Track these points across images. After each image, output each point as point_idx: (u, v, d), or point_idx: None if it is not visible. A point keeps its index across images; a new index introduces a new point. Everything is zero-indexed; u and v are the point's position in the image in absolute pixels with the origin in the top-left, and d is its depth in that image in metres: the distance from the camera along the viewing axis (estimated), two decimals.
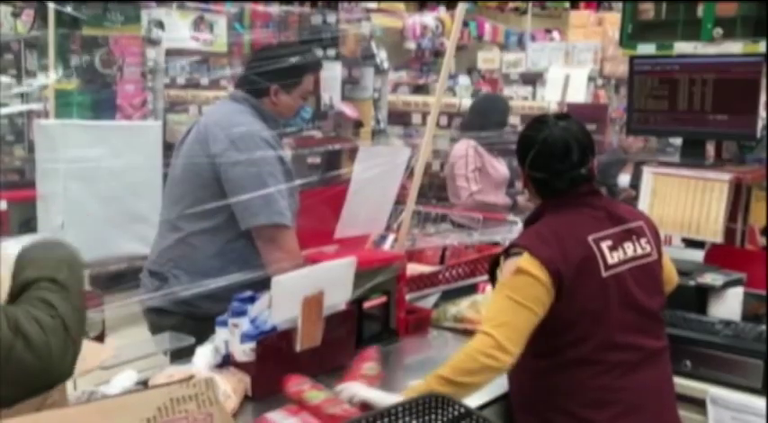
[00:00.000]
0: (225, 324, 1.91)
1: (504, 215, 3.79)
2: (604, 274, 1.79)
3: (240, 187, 2.17)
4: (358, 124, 4.11)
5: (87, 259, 3.28)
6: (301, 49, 2.47)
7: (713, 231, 2.52)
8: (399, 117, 4.43)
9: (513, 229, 3.49)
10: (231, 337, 1.89)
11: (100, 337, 2.49)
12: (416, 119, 4.62)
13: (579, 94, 6.19)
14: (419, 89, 7.36)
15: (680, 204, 2.57)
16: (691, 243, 2.84)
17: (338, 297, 1.96)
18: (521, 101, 6.40)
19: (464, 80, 8.05)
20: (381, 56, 4.33)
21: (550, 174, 1.86)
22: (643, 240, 1.90)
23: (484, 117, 4.12)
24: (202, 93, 5.07)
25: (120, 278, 3.25)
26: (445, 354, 2.01)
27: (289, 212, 2.24)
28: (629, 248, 1.85)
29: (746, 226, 2.80)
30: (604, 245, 1.81)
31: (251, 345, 1.85)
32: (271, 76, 2.33)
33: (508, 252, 1.84)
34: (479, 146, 4.02)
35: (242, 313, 1.88)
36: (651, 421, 1.81)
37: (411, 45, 7.45)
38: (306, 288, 1.85)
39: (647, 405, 1.80)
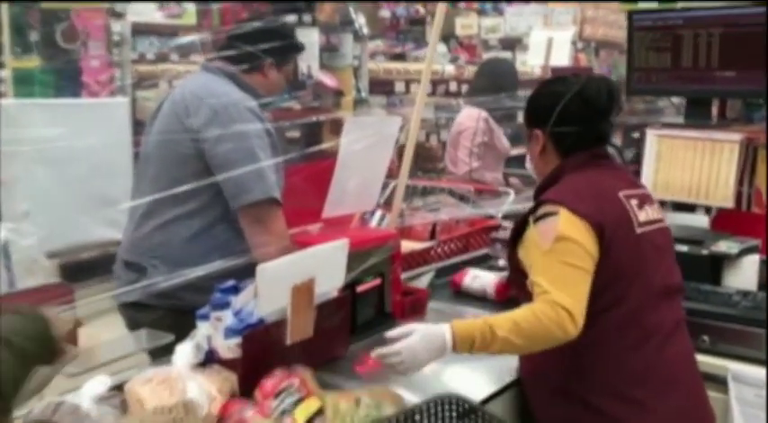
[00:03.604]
0: (206, 318, 1.74)
1: (494, 187, 3.64)
2: (638, 230, 1.67)
3: (229, 162, 1.99)
4: (338, 94, 3.91)
5: (56, 248, 3.11)
6: (292, 28, 2.32)
7: (723, 196, 2.38)
8: (381, 85, 4.23)
9: (507, 201, 3.34)
10: (214, 332, 1.71)
11: (72, 336, 2.31)
12: (399, 87, 4.42)
13: (563, 57, 5.99)
14: (396, 57, 7.16)
15: (687, 168, 2.43)
16: (681, 207, 2.68)
17: (330, 283, 1.79)
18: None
19: (440, 48, 7.84)
20: (360, 21, 4.11)
21: (588, 123, 1.73)
22: (655, 206, 1.78)
23: (495, 81, 3.92)
24: (173, 67, 4.84)
25: (92, 266, 3.08)
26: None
27: (278, 189, 2.06)
28: (650, 211, 1.73)
29: (752, 188, 2.67)
30: (633, 202, 1.71)
31: (236, 340, 1.67)
32: (269, 50, 2.15)
33: (537, 212, 1.68)
34: (490, 117, 3.83)
35: (224, 305, 1.71)
36: (686, 395, 1.69)
37: (385, 13, 7.23)
38: (295, 275, 1.68)
39: (681, 378, 1.69)
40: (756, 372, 1.94)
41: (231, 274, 1.90)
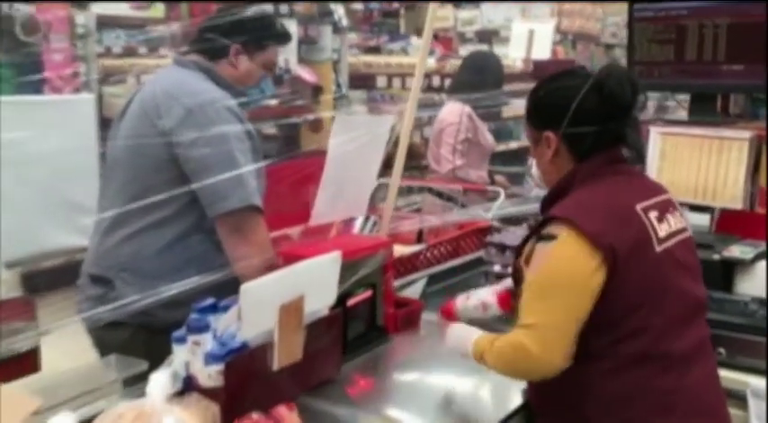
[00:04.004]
0: (183, 341, 1.56)
1: (484, 186, 3.48)
2: (658, 249, 1.50)
3: (205, 167, 1.81)
4: (317, 89, 3.73)
5: (16, 256, 2.89)
6: (270, 16, 2.10)
7: (732, 196, 2.25)
8: (361, 80, 4.05)
9: (497, 202, 3.19)
10: (192, 358, 1.53)
11: (33, 356, 2.12)
12: (381, 82, 4.24)
13: (544, 50, 5.87)
14: (371, 50, 6.99)
15: (693, 167, 2.29)
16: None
17: (321, 301, 1.62)
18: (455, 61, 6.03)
19: (415, 41, 7.69)
20: (339, 12, 3.93)
21: (608, 122, 1.55)
22: (677, 213, 1.62)
23: (479, 75, 3.75)
24: (142, 61, 4.61)
25: (56, 276, 2.88)
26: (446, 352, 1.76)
27: (259, 196, 1.88)
28: (672, 221, 1.56)
29: (756, 187, 2.55)
30: (652, 215, 1.53)
31: (218, 367, 1.50)
32: (232, 32, 1.95)
33: (543, 229, 1.52)
34: (474, 112, 3.67)
35: (203, 328, 1.53)
36: (712, 420, 1.55)
37: (358, 5, 7.06)
38: (282, 294, 1.51)
39: (706, 402, 1.55)
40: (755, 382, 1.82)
41: (209, 289, 1.73)
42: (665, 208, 1.57)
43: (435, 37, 7.62)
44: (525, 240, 1.61)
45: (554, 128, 1.59)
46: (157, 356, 1.69)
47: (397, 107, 3.98)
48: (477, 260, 2.79)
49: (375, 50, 7.13)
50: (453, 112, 3.70)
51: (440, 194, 3.34)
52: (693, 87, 2.41)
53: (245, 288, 1.43)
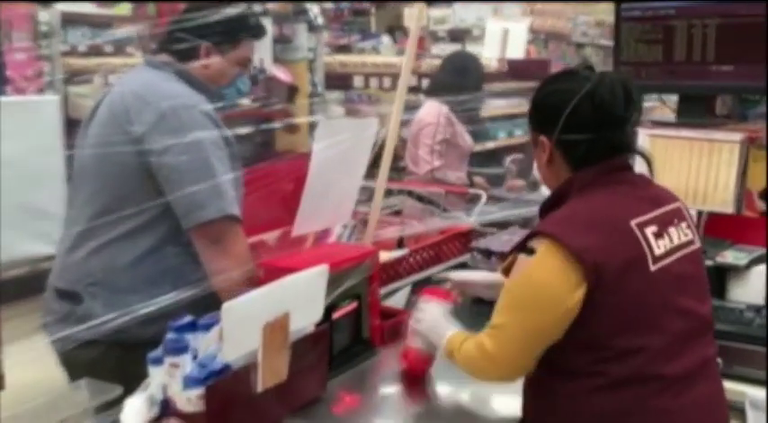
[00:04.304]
0: (160, 362, 1.46)
1: (466, 188, 3.41)
2: (653, 267, 1.42)
3: (180, 175, 1.70)
4: (293, 90, 3.62)
5: None
6: (242, 8, 1.98)
7: (722, 200, 2.20)
8: (338, 80, 3.95)
9: (479, 204, 3.13)
10: (170, 380, 1.43)
11: None
12: (358, 81, 4.14)
13: (519, 49, 5.82)
14: (341, 49, 6.89)
15: (683, 171, 2.24)
16: None
17: (307, 318, 1.53)
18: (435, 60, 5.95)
19: (386, 40, 7.62)
20: (314, 11, 3.82)
21: (602, 131, 1.48)
22: (684, 225, 1.54)
23: (460, 77, 3.68)
24: (108, 60, 4.46)
25: (20, 285, 2.74)
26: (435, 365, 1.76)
27: (238, 205, 1.78)
28: (674, 235, 1.49)
29: (743, 190, 2.51)
30: (649, 231, 1.44)
31: (198, 390, 1.40)
32: (202, 31, 1.85)
33: (530, 242, 1.45)
34: (451, 113, 3.59)
35: (181, 350, 1.43)
36: None
37: (329, 4, 6.97)
38: (267, 312, 1.41)
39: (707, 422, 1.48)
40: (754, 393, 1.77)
41: (186, 305, 1.63)
42: (668, 221, 1.50)
43: (408, 35, 7.56)
44: (510, 252, 1.55)
45: (548, 133, 1.52)
46: (131, 375, 1.59)
47: (375, 108, 3.89)
48: (460, 265, 2.72)
49: (346, 49, 7.04)
50: (431, 112, 3.63)
51: (420, 198, 3.27)
52: (682, 88, 2.36)
53: (228, 307, 1.33)
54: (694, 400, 1.45)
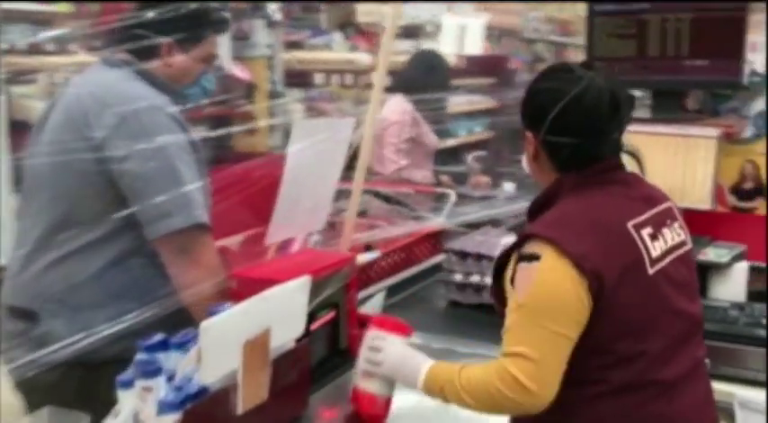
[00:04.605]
0: (130, 385, 1.34)
1: (433, 187, 3.35)
2: (651, 270, 1.37)
3: (144, 182, 1.59)
4: (251, 88, 3.50)
5: None
6: (200, 3, 1.86)
7: (699, 197, 2.18)
8: (298, 77, 3.84)
9: (448, 204, 3.06)
10: (142, 405, 1.32)
11: None
12: (319, 79, 4.03)
13: (476, 45, 5.80)
14: (292, 45, 6.76)
15: (659, 167, 2.20)
16: None
17: (289, 333, 1.43)
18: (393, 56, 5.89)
19: (337, 36, 7.51)
20: (272, 6, 3.70)
21: (585, 138, 1.41)
22: (676, 225, 1.50)
23: (427, 75, 3.60)
24: (52, 59, 4.26)
25: None
26: None
27: (206, 212, 1.67)
28: (668, 236, 1.44)
29: (714, 185, 2.50)
30: (645, 233, 1.39)
31: (174, 416, 1.29)
32: (163, 27, 1.72)
33: (523, 248, 1.37)
34: (416, 111, 3.51)
35: (154, 373, 1.32)
36: None
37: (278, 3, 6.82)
38: (247, 329, 1.31)
39: None
40: (765, 397, 1.74)
41: (155, 321, 1.52)
42: (662, 221, 1.45)
43: (360, 32, 7.48)
44: (506, 255, 1.47)
45: (534, 131, 1.46)
46: (95, 397, 1.48)
47: (336, 105, 3.79)
48: (433, 268, 2.65)
49: (297, 46, 6.91)
50: (396, 110, 3.55)
51: (387, 198, 3.18)
52: (656, 84, 2.33)
53: (206, 326, 1.23)
54: (689, 402, 1.42)
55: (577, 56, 11.84)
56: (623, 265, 1.34)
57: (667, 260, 1.41)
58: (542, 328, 1.31)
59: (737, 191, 2.52)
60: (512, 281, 1.42)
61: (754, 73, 2.15)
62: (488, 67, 5.54)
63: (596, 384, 1.35)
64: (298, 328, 1.45)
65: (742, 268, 1.99)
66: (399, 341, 1.52)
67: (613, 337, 1.34)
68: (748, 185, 2.49)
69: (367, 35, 7.24)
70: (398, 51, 6.42)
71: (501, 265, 1.46)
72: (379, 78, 1.75)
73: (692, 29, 2.18)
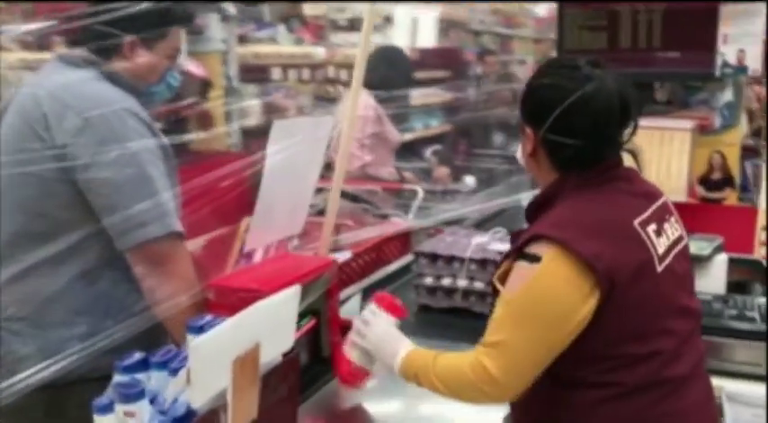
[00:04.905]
0: (109, 410, 1.24)
1: (400, 184, 3.28)
2: (659, 268, 1.34)
3: (112, 189, 1.48)
4: (206, 84, 3.37)
5: None
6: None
7: (676, 188, 2.18)
8: (254, 72, 3.72)
9: (415, 201, 3.01)
10: None
11: None
12: (276, 74, 3.91)
13: (429, 37, 5.77)
14: (240, 40, 6.60)
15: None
16: None
17: (278, 347, 1.35)
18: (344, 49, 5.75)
19: (282, 29, 7.38)
20: None
21: (590, 140, 1.36)
22: (673, 219, 1.48)
23: (389, 71, 3.52)
24: None
25: None
26: (404, 383, 1.52)
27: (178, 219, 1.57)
28: (669, 231, 1.42)
29: (689, 177, 2.51)
30: (651, 230, 1.36)
31: None
32: (125, 23, 1.61)
33: (528, 247, 1.32)
34: (379, 106, 3.43)
35: (136, 396, 1.22)
36: None
37: None
38: (236, 345, 1.22)
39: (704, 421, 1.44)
40: (753, 389, 1.73)
41: (130, 339, 1.42)
42: (662, 217, 1.42)
43: (304, 24, 7.35)
44: (505, 257, 1.42)
45: (534, 127, 1.41)
46: (65, 416, 1.37)
47: (294, 101, 3.69)
48: (404, 268, 2.59)
49: (243, 39, 6.74)
50: (359, 105, 3.46)
51: (353, 197, 3.11)
52: (628, 76, 2.30)
53: (197, 344, 1.14)
54: (696, 397, 1.41)
55: (523, 47, 11.98)
56: (635, 265, 1.31)
57: (671, 256, 1.39)
58: (522, 328, 1.29)
59: (706, 182, 2.53)
60: (502, 279, 1.39)
61: (725, 64, 2.15)
62: (442, 60, 5.50)
63: (609, 387, 1.32)
64: (287, 341, 1.37)
65: (722, 260, 1.99)
66: (388, 321, 1.57)
67: (623, 338, 1.31)
68: (716, 176, 2.50)
69: (312, 28, 7.12)
70: (348, 44, 6.35)
71: (501, 269, 1.40)
72: (358, 75, 1.68)
73: (664, 20, 2.17)
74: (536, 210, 1.43)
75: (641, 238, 1.33)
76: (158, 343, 1.63)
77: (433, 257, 2.30)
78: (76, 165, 1.47)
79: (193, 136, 1.88)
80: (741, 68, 2.13)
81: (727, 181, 2.51)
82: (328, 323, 1.79)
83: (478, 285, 2.21)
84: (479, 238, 2.36)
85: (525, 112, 1.43)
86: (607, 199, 1.38)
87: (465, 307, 2.23)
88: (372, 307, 1.60)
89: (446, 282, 2.26)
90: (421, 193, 2.97)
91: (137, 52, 1.66)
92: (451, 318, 2.22)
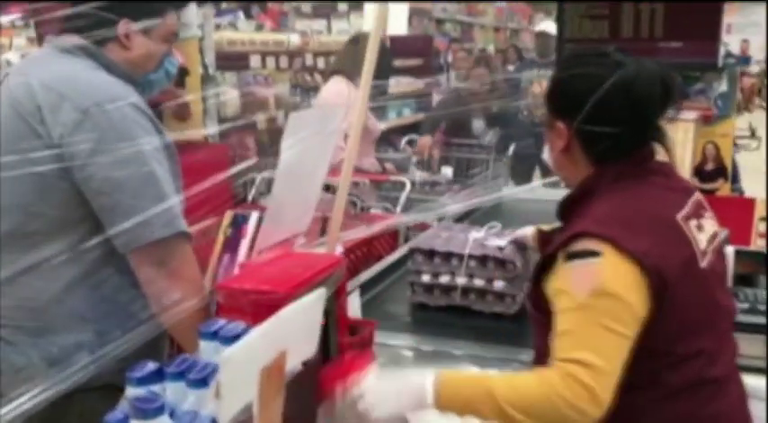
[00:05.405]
0: None
1: (387, 176, 3.21)
2: (702, 264, 1.30)
3: (114, 186, 1.38)
4: (183, 71, 3.23)
5: None
6: None
7: None
8: (231, 60, 3.59)
9: (403, 194, 2.94)
10: None
11: None
12: (255, 61, 3.78)
13: (401, 25, 5.69)
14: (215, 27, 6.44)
15: None
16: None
17: (303, 352, 1.27)
18: (318, 37, 5.64)
19: (242, 15, 7.23)
20: None
21: (630, 127, 1.32)
22: (707, 214, 1.44)
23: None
24: None
25: None
26: None
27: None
28: (707, 226, 1.38)
29: (692, 167, 2.50)
30: (692, 225, 1.32)
31: None
32: (118, 7, 1.49)
33: (573, 246, 1.26)
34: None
35: (156, 411, 1.13)
36: None
37: None
38: (264, 354, 1.14)
39: (744, 419, 1.42)
40: (754, 382, 1.71)
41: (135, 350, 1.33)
42: (700, 212, 1.39)
43: (264, 11, 7.19)
44: (545, 264, 1.35)
45: (567, 120, 1.35)
46: None
47: (272, 90, 3.58)
48: (397, 263, 2.52)
49: (217, 27, 6.57)
50: (338, 92, 3.37)
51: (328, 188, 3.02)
52: None
53: (228, 356, 1.05)
54: (736, 396, 1.39)
55: (484, 35, 11.97)
56: (682, 262, 1.27)
57: (710, 252, 1.35)
58: (605, 329, 1.20)
59: (699, 172, 2.52)
60: (559, 284, 1.30)
61: (728, 54, 2.13)
62: (414, 48, 5.44)
63: (654, 389, 1.27)
64: (311, 347, 1.29)
65: (729, 253, 1.96)
66: (373, 376, 1.37)
67: (673, 337, 1.27)
68: (710, 167, 2.50)
69: (272, 14, 6.98)
70: (314, 30, 6.22)
71: (542, 268, 1.34)
72: (368, 69, 1.60)
73: (667, 9, 2.14)
74: (570, 206, 1.37)
75: (684, 234, 1.30)
76: (159, 350, 1.54)
77: (430, 254, 2.24)
78: (75, 157, 1.37)
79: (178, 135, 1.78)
80: (745, 58, 2.11)
81: (720, 171, 2.51)
82: (336, 323, 1.71)
83: (478, 282, 2.16)
84: (476, 234, 2.30)
85: (555, 106, 1.38)
86: (647, 193, 1.34)
87: (464, 305, 2.18)
88: (340, 390, 1.36)
89: (444, 279, 2.21)
90: (408, 185, 2.90)
91: (132, 38, 1.55)
92: (449, 316, 2.17)
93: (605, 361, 1.19)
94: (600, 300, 1.21)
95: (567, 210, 1.38)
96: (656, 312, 1.24)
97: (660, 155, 1.41)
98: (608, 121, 1.31)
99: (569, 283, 1.26)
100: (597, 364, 1.19)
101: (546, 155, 1.45)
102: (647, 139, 1.37)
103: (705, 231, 1.36)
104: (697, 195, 1.43)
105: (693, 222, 1.33)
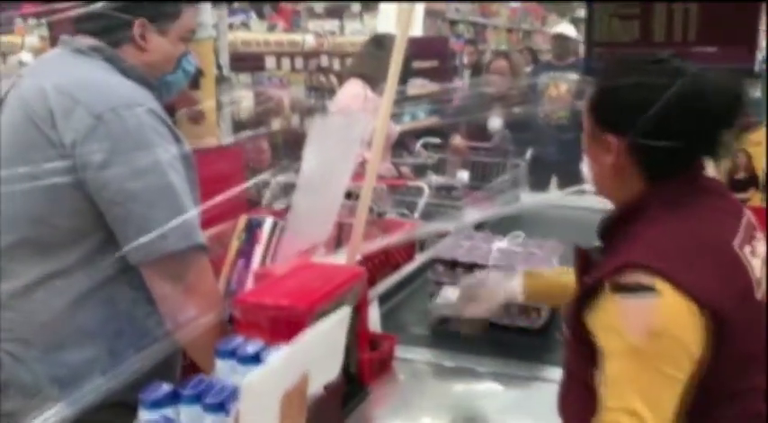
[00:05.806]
0: None
1: (404, 181, 3.13)
2: (758, 295, 1.20)
3: (130, 196, 1.30)
4: (198, 73, 3.17)
5: None
6: None
7: None
8: (246, 61, 3.53)
9: (422, 199, 2.86)
10: None
11: None
12: (270, 63, 3.72)
13: (416, 26, 5.61)
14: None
15: None
16: None
17: (326, 375, 1.20)
18: (333, 37, 5.55)
19: (254, 15, 7.18)
20: None
21: (694, 140, 1.20)
22: (758, 235, 1.32)
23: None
24: None
25: None
26: (435, 402, 1.47)
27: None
28: (759, 249, 1.27)
29: (721, 176, 2.41)
30: (747, 252, 1.21)
31: None
32: (132, 5, 1.42)
33: (621, 277, 1.15)
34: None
35: None
36: None
37: None
38: (286, 379, 1.07)
39: None
40: None
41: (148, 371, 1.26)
42: (753, 234, 1.28)
43: (277, 11, 7.13)
44: (590, 290, 1.25)
45: (618, 133, 1.24)
46: None
47: (287, 91, 3.51)
48: (416, 273, 2.44)
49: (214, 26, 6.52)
50: (355, 94, 3.29)
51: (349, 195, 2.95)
52: None
53: (250, 383, 0.98)
54: None
55: (497, 37, 11.89)
56: (739, 295, 1.16)
57: (764, 278, 1.25)
58: (660, 375, 1.10)
59: (730, 181, 2.43)
60: (607, 320, 1.18)
61: (766, 60, 2.05)
62: (429, 49, 5.36)
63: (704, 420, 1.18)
64: (335, 369, 1.21)
65: None
66: None
67: (728, 374, 1.16)
68: (741, 176, 2.41)
69: (285, 14, 6.92)
70: (326, 31, 6.15)
71: (586, 295, 1.23)
72: (394, 72, 1.52)
73: (701, 13, 2.05)
74: (615, 226, 1.27)
75: (742, 263, 1.19)
76: (173, 367, 1.47)
77: (452, 264, 2.15)
78: (88, 164, 1.30)
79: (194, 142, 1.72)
80: None
81: (751, 181, 2.42)
82: (357, 339, 1.64)
83: None
84: (499, 244, 2.21)
85: (604, 118, 1.26)
86: (703, 216, 1.22)
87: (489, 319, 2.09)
88: None
89: None
90: (427, 191, 2.82)
91: (149, 38, 1.48)
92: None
93: (659, 410, 1.10)
94: (655, 342, 1.11)
95: (612, 230, 1.28)
96: (713, 350, 1.14)
97: (709, 168, 1.32)
98: (670, 134, 1.19)
99: (621, 322, 1.14)
100: (650, 415, 1.09)
101: (586, 168, 1.35)
102: (711, 155, 1.26)
103: (757, 255, 1.26)
104: (748, 215, 1.33)
105: (748, 249, 1.23)
